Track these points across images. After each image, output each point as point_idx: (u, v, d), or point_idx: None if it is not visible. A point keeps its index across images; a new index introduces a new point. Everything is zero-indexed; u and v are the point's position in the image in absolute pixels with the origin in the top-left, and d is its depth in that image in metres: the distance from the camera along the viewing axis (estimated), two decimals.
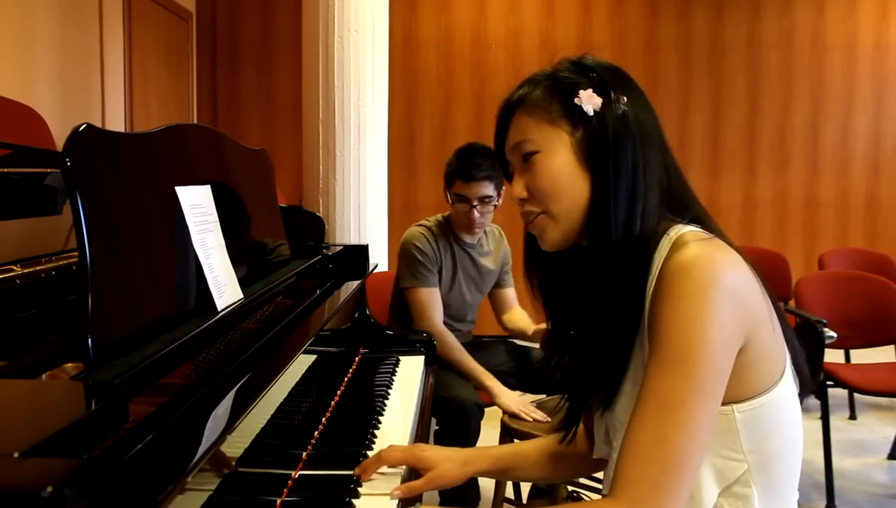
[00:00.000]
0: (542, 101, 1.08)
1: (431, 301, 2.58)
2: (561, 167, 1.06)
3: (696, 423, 0.95)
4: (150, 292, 1.08)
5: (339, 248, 2.10)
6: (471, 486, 2.62)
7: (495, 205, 2.60)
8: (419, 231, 2.66)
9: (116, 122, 4.22)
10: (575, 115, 1.06)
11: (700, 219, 1.09)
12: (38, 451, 0.65)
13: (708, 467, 1.01)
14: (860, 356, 3.82)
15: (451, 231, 2.67)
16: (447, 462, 1.23)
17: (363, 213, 3.57)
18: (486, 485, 2.63)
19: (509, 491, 2.59)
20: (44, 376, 0.93)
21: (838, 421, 3.84)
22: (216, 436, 0.91)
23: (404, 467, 1.30)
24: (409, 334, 2.21)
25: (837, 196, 5.67)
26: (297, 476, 1.26)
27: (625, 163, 1.04)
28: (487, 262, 2.75)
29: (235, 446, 1.09)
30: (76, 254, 0.93)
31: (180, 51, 5.09)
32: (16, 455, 0.63)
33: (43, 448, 0.65)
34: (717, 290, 0.95)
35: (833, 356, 3.36)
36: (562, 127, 1.07)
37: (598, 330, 1.07)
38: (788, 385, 1.05)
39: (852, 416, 3.99)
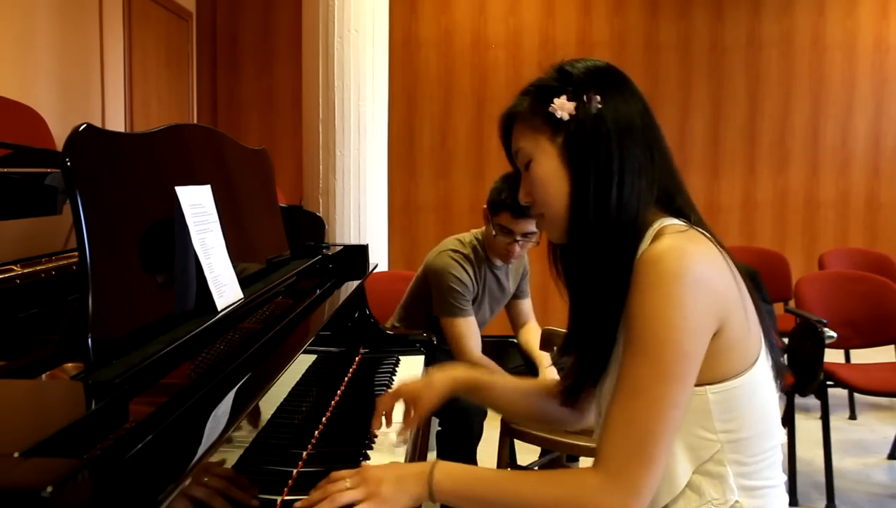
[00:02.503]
0: (529, 113, 1.16)
1: (470, 331, 2.54)
2: (547, 173, 1.14)
3: (662, 405, 1.02)
4: (150, 292, 1.08)
5: (339, 248, 2.10)
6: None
7: (536, 242, 2.56)
8: (457, 259, 2.58)
9: (116, 122, 4.21)
10: (554, 123, 1.12)
11: (682, 210, 1.14)
12: (38, 451, 0.65)
13: (682, 445, 1.08)
14: (860, 356, 3.82)
15: (484, 254, 2.64)
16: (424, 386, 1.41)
17: (363, 213, 3.57)
18: None
19: None
20: (44, 376, 0.93)
21: (838, 421, 3.84)
22: (216, 436, 0.91)
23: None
24: (409, 334, 2.21)
25: (837, 196, 5.67)
26: (297, 474, 1.26)
27: (597, 160, 1.10)
28: (509, 282, 2.75)
29: (236, 445, 1.09)
30: (76, 253, 0.94)
31: (180, 51, 5.09)
32: (16, 455, 0.63)
33: (43, 448, 0.66)
34: (683, 282, 1.01)
35: (833, 356, 3.36)
36: (545, 135, 1.14)
37: (586, 314, 1.15)
38: (762, 370, 1.10)
39: (852, 416, 3.99)
